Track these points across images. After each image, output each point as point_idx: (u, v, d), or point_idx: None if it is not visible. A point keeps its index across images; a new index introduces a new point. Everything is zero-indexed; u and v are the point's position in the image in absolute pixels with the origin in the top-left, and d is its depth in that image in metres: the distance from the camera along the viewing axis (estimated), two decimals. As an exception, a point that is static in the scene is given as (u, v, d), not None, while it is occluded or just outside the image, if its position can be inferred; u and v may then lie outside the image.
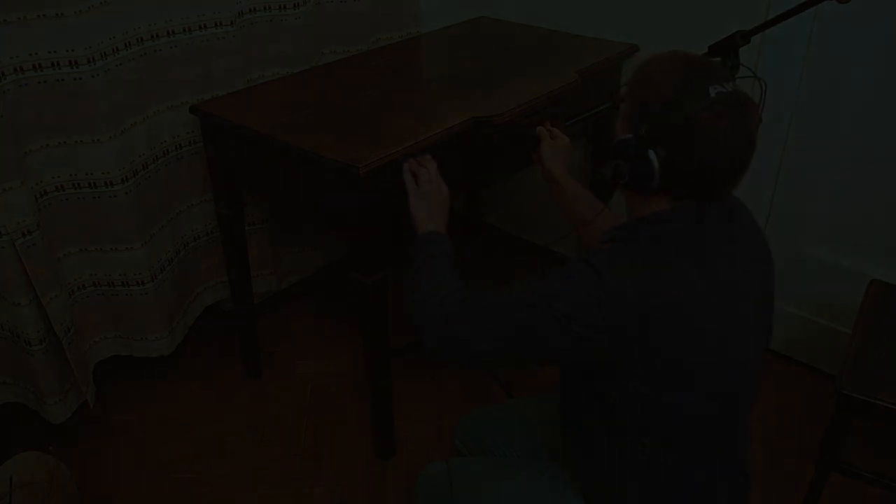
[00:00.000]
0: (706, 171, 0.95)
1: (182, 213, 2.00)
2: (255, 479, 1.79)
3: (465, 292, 1.11)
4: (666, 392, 0.96)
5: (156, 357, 1.99)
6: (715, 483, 1.08)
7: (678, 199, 0.99)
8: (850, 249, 1.95)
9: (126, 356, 2.00)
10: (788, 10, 1.42)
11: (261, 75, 2.01)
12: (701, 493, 1.07)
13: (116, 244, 1.81)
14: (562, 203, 1.46)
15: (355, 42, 2.23)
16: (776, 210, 1.97)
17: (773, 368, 2.07)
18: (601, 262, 0.96)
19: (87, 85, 1.61)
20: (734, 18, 1.59)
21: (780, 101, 1.79)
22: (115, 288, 1.87)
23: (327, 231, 2.39)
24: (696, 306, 0.94)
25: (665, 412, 0.99)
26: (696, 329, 0.94)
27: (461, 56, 2.09)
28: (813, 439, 1.53)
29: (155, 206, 1.88)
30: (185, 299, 2.08)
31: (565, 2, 2.20)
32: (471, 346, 1.05)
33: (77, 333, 1.80)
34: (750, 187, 1.09)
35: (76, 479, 1.64)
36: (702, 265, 0.96)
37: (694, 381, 0.97)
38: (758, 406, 1.11)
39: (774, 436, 1.85)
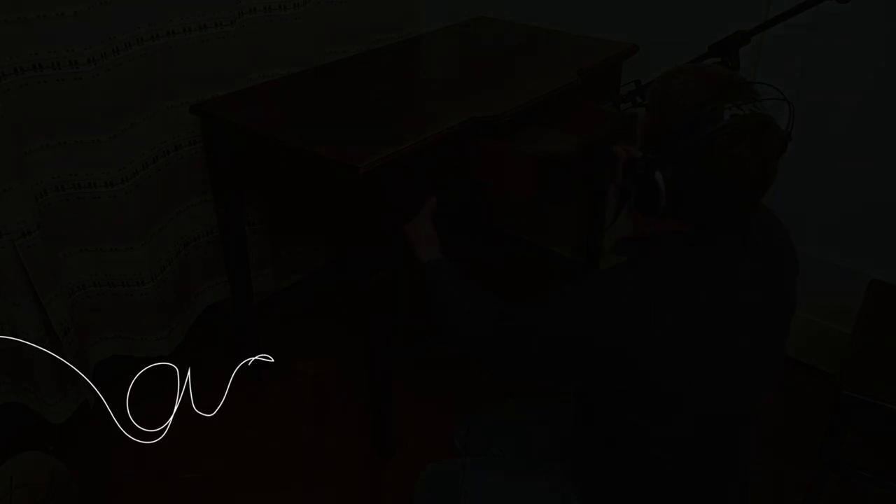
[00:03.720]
0: (713, 197, 0.91)
1: (182, 213, 2.00)
2: (255, 479, 1.79)
3: (490, 314, 1.14)
4: (658, 417, 0.96)
5: (156, 357, 1.99)
6: (716, 491, 1.08)
7: (686, 224, 0.95)
8: (850, 249, 1.95)
9: (126, 356, 2.00)
10: (788, 10, 1.43)
11: (261, 75, 2.01)
12: (703, 499, 1.07)
13: (116, 244, 1.81)
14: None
15: (355, 42, 2.22)
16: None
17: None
18: (594, 288, 0.98)
19: (87, 85, 1.61)
20: (734, 18, 1.59)
21: (780, 102, 1.78)
22: (114, 288, 1.87)
23: (327, 231, 2.38)
24: (677, 337, 0.91)
25: (659, 436, 0.98)
26: (682, 359, 0.91)
27: (461, 56, 2.09)
28: (813, 439, 1.53)
29: (155, 206, 1.88)
30: (185, 299, 2.08)
31: (565, 2, 2.20)
32: (508, 366, 1.12)
33: (77, 333, 1.79)
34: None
35: (76, 479, 1.64)
36: (687, 296, 0.92)
37: (683, 406, 0.95)
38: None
39: (774, 436, 1.85)
